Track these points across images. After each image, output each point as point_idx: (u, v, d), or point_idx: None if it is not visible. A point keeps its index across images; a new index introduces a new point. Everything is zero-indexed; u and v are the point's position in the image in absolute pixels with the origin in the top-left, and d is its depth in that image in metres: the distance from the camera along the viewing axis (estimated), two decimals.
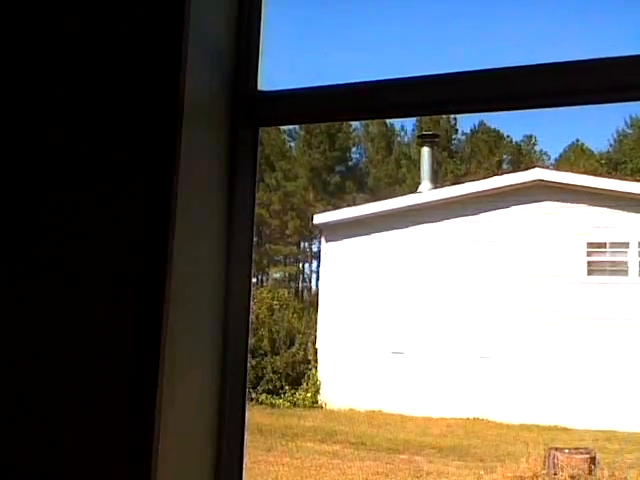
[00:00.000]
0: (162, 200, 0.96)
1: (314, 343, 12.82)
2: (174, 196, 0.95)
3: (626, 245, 11.27)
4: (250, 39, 1.11)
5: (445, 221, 12.39)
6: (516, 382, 11.18)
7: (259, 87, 1.13)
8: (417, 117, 41.33)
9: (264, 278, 39.34)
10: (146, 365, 0.93)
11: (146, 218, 0.97)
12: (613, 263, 11.35)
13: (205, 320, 1.06)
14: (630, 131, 35.74)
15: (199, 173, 1.03)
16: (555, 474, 5.72)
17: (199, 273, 1.04)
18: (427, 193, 13.11)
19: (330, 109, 1.13)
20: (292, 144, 40.27)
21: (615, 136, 37.21)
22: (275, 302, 14.41)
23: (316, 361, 12.65)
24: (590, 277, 11.38)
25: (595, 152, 36.63)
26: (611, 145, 37.56)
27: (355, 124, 41.31)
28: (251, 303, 1.15)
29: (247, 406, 1.11)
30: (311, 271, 36.26)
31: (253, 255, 1.13)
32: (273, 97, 1.13)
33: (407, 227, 12.60)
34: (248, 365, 1.13)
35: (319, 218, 13.23)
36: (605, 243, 11.42)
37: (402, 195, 14.34)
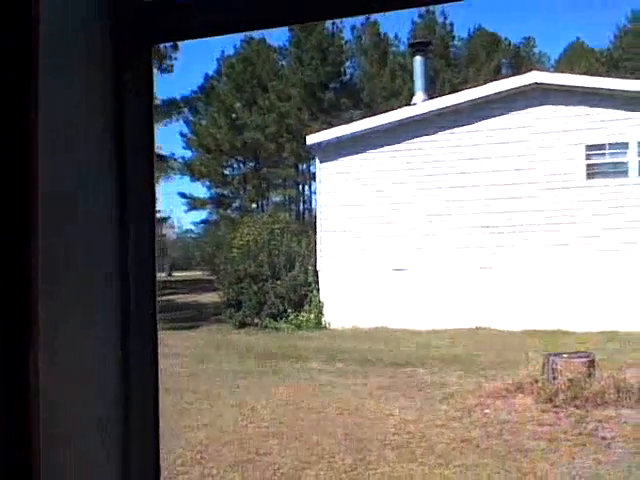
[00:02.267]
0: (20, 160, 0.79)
1: (315, 265, 12.85)
2: (35, 148, 0.78)
3: (625, 145, 11.00)
4: None
5: (441, 132, 12.08)
6: (518, 290, 11.25)
7: None
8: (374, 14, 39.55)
9: (264, 203, 39.32)
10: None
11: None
12: (613, 164, 11.13)
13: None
14: (630, 26, 34.48)
15: (70, 116, 0.86)
16: (554, 379, 5.79)
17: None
18: (421, 104, 12.72)
19: (241, 14, 0.94)
20: (283, 62, 39.10)
21: (616, 32, 35.94)
22: (276, 226, 14.35)
23: (317, 283, 12.72)
24: (590, 180, 11.19)
25: (595, 50, 35.51)
26: (611, 42, 36.34)
27: (347, 36, 39.88)
28: (155, 238, 0.99)
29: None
30: (311, 193, 36.14)
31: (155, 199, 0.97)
32: (164, 6, 0.94)
33: (402, 141, 12.32)
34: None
35: (312, 139, 12.92)
36: (604, 144, 11.15)
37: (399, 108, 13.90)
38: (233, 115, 37.02)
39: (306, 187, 37.52)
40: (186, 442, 5.18)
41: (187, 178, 42.80)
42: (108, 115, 0.93)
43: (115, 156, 0.93)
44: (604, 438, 4.78)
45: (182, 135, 41.79)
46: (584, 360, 5.84)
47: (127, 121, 0.95)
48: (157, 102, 29.25)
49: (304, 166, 36.01)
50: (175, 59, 28.28)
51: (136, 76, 0.96)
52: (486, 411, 5.74)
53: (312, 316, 12.34)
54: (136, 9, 0.93)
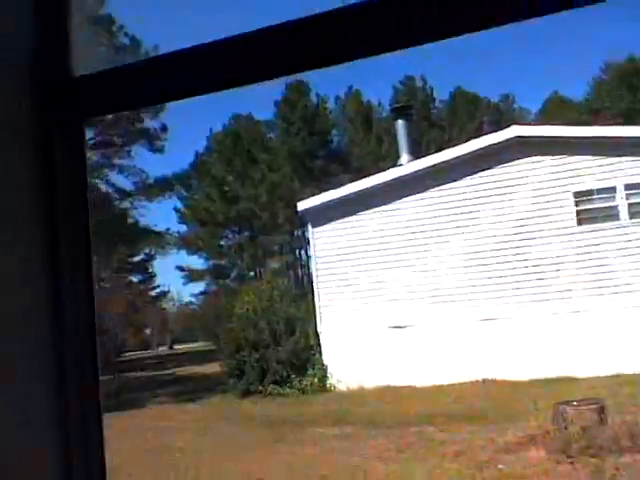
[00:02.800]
0: None
1: (315, 328, 12.76)
2: None
3: (613, 190, 11.18)
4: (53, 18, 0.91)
5: (428, 191, 12.27)
6: (522, 339, 11.15)
7: (76, 72, 0.93)
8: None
9: (262, 270, 39.35)
10: None
11: None
12: (602, 209, 11.27)
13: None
14: (605, 77, 35.65)
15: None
16: (566, 428, 5.66)
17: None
18: (407, 165, 12.97)
19: (165, 86, 0.92)
20: (271, 135, 40.04)
21: (591, 83, 37.12)
22: (274, 292, 14.33)
23: (319, 345, 12.60)
24: (581, 226, 11.30)
25: (574, 101, 36.57)
26: (588, 93, 37.48)
27: (331, 105, 41.04)
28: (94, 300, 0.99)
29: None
30: (307, 257, 36.22)
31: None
32: (96, 79, 0.92)
33: (391, 202, 12.48)
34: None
35: (302, 205, 13.10)
36: (592, 190, 11.33)
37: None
38: (225, 188, 37.62)
39: (302, 252, 37.69)
40: None
41: (184, 252, 43.07)
42: (39, 195, 0.91)
43: (48, 248, 0.91)
44: None
45: (176, 210, 42.31)
46: (594, 407, 5.74)
47: (59, 204, 0.93)
48: (150, 181, 29.76)
49: (299, 231, 36.31)
50: (165, 139, 29.00)
51: (69, 152, 0.94)
52: (500, 467, 5.59)
53: (316, 380, 12.15)
54: (66, 83, 0.91)
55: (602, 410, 5.77)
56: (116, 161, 28.98)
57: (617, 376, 9.66)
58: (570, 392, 7.61)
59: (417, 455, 6.39)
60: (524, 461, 5.62)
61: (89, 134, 28.41)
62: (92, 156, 28.83)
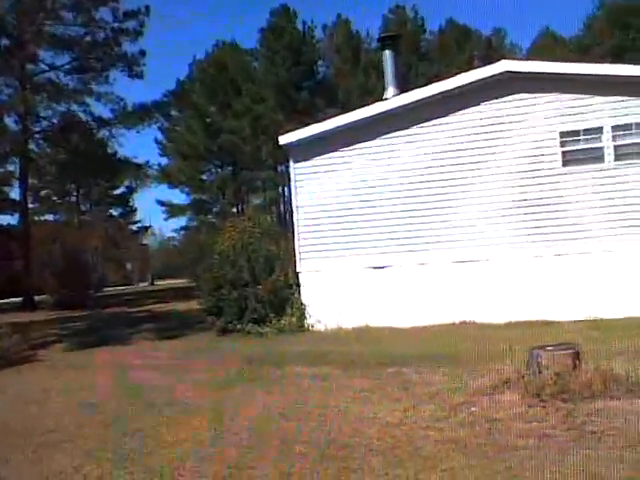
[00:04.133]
0: None
1: (295, 267, 12.65)
2: None
3: (600, 130, 10.94)
4: None
5: (414, 127, 11.94)
6: (500, 282, 11.15)
7: None
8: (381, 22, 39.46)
9: (244, 206, 39.06)
10: None
11: None
12: (587, 151, 11.05)
13: None
14: (598, 12, 34.77)
15: None
16: (540, 372, 5.65)
17: None
18: (393, 99, 12.56)
19: None
20: (255, 64, 38.85)
21: (584, 19, 36.22)
22: (257, 230, 14.16)
23: (298, 285, 12.54)
24: (566, 167, 11.12)
25: (565, 38, 35.77)
26: (580, 29, 36.62)
27: (318, 35, 39.75)
28: None
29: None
30: (291, 194, 35.95)
31: None
32: None
33: (376, 137, 12.16)
34: None
35: (284, 139, 12.71)
36: (579, 131, 11.08)
37: None
38: (208, 120, 36.74)
39: (286, 189, 37.34)
40: (163, 459, 4.97)
41: (165, 186, 42.50)
42: None
43: None
44: (594, 432, 4.65)
45: (157, 142, 41.47)
46: (569, 352, 5.71)
47: None
48: (129, 109, 28.87)
49: (282, 167, 35.81)
50: (144, 65, 28.00)
51: None
52: (472, 409, 5.59)
53: (294, 319, 12.15)
54: None
55: (576, 355, 5.75)
56: (94, 87, 28.02)
57: (593, 321, 9.75)
58: (546, 336, 7.62)
59: (392, 396, 6.39)
60: (497, 404, 5.62)
61: (65, 58, 27.37)
62: (69, 81, 27.86)
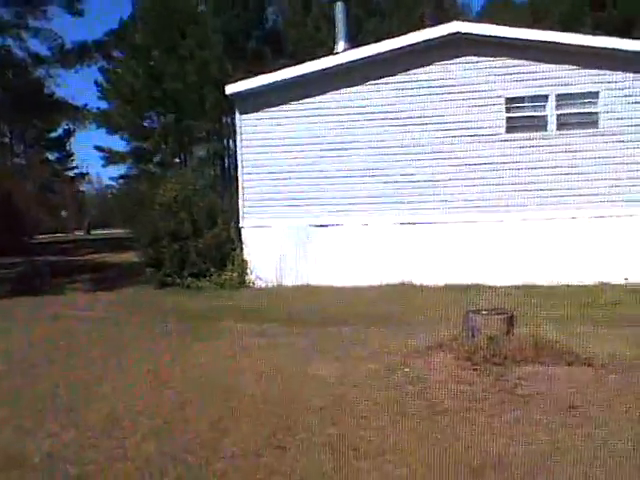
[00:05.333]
0: None
1: (238, 222, 12.47)
2: None
3: (545, 98, 11.09)
4: None
5: (363, 84, 11.79)
6: (440, 245, 11.33)
7: None
8: None
9: (187, 157, 38.10)
10: None
11: None
12: (531, 118, 11.22)
13: None
14: None
15: None
16: (473, 336, 5.79)
17: None
18: (343, 54, 12.33)
19: None
20: (203, 8, 37.33)
21: None
22: (200, 182, 13.83)
23: (240, 241, 12.39)
24: (509, 134, 11.27)
25: (517, 3, 35.85)
26: None
27: None
28: None
29: None
30: (235, 146, 35.20)
31: None
32: None
33: (325, 92, 11.96)
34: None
35: (231, 88, 12.32)
36: (524, 97, 11.21)
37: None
38: (151, 63, 35.25)
39: (231, 141, 36.51)
40: (96, 413, 4.85)
41: (104, 131, 40.88)
42: None
43: None
44: (523, 396, 4.80)
45: (97, 85, 39.63)
46: (503, 316, 5.85)
47: None
48: (67, 47, 27.40)
49: (228, 119, 34.92)
50: (84, 1, 26.49)
51: None
52: (406, 370, 5.69)
53: (235, 275, 12.05)
54: None
55: (510, 320, 5.90)
56: (31, 22, 26.37)
57: (528, 287, 10.06)
58: (482, 300, 7.82)
59: (330, 355, 6.43)
60: (431, 366, 5.74)
61: None
62: (4, 14, 26.11)
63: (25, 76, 27.62)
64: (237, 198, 12.56)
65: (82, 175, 48.41)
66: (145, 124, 38.69)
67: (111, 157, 41.06)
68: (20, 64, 27.08)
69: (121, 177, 42.99)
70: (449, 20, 11.77)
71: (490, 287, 10.15)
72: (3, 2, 26.01)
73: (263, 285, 11.95)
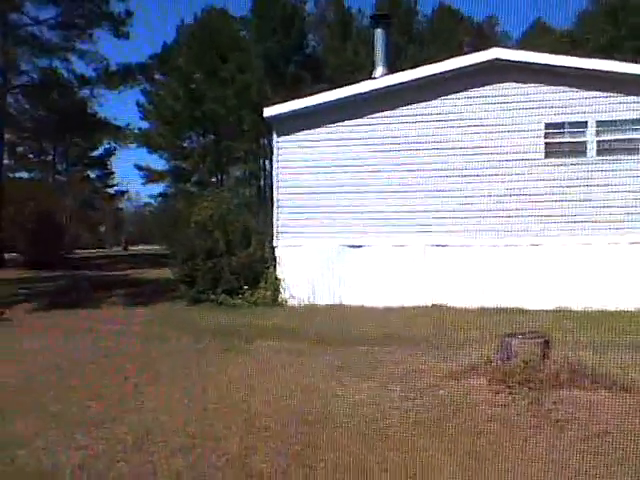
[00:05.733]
0: None
1: (272, 242, 12.57)
2: None
3: (584, 125, 10.99)
4: None
5: (401, 108, 11.86)
6: (474, 268, 11.22)
7: None
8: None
9: (224, 177, 38.65)
10: None
11: None
12: (571, 144, 11.12)
13: None
14: (591, 7, 34.77)
15: None
16: (509, 359, 5.70)
17: None
18: (380, 79, 12.44)
19: None
20: (244, 33, 38.18)
21: (577, 13, 36.20)
22: (235, 201, 14.02)
23: (274, 259, 12.48)
24: (548, 159, 11.17)
25: (557, 30, 35.74)
26: (573, 22, 36.62)
27: (310, 8, 39.18)
28: None
29: None
30: (271, 167, 35.57)
31: None
32: None
33: (362, 116, 12.06)
34: None
35: (269, 111, 12.53)
36: (563, 123, 11.13)
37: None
38: (192, 86, 36.07)
39: (267, 162, 36.94)
40: (129, 428, 4.91)
41: (144, 150, 41.86)
42: None
43: None
44: (558, 420, 4.71)
45: (139, 105, 40.66)
46: (539, 340, 5.77)
47: None
48: (112, 69, 28.25)
49: (265, 140, 35.39)
50: (130, 25, 27.37)
51: None
52: (440, 392, 5.63)
53: (268, 293, 12.11)
54: None
55: (546, 344, 5.81)
56: (77, 45, 27.30)
57: (564, 311, 9.87)
58: (517, 324, 7.70)
59: (361, 375, 6.40)
60: (465, 389, 5.67)
61: (50, 12, 26.62)
62: (52, 37, 27.08)
63: (70, 96, 28.51)
64: (272, 218, 12.68)
65: (121, 193, 49.48)
66: (184, 144, 39.48)
67: (150, 176, 41.93)
68: (65, 85, 27.99)
69: (159, 195, 43.80)
70: (488, 47, 11.79)
71: (524, 310, 10.00)
72: (52, 26, 27.01)
73: (296, 304, 11.98)
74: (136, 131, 38.44)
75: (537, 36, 34.47)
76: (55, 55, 27.06)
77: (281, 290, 12.23)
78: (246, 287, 12.14)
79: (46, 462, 4.33)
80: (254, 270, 12.33)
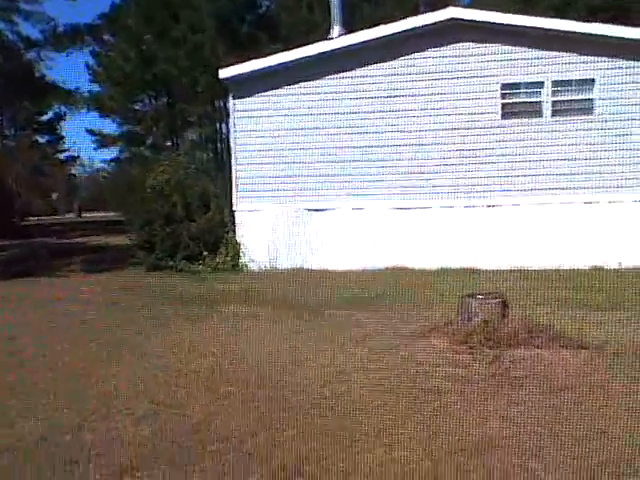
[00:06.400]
0: None
1: (230, 206, 12.42)
2: None
3: (540, 85, 11.09)
4: None
5: (359, 69, 11.73)
6: (433, 230, 11.34)
7: None
8: None
9: (179, 141, 37.85)
10: None
11: None
12: (527, 104, 11.22)
13: None
14: None
15: None
16: (469, 320, 5.82)
17: None
18: (338, 39, 12.24)
19: None
20: None
21: None
22: (192, 165, 13.75)
23: (233, 224, 12.35)
24: (505, 120, 11.26)
25: None
26: None
27: None
28: None
29: None
30: (228, 130, 34.92)
31: None
32: None
33: (319, 77, 11.89)
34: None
35: (225, 72, 12.21)
36: (519, 84, 11.20)
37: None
38: (143, 47, 34.87)
39: (223, 125, 36.23)
40: (92, 396, 4.86)
41: (95, 114, 40.53)
42: None
43: None
44: (516, 378, 4.84)
45: (88, 67, 39.16)
46: (497, 301, 5.89)
47: None
48: (59, 30, 27.06)
49: (221, 102, 34.63)
50: None
51: None
52: (401, 353, 5.71)
53: (229, 258, 12.01)
54: None
55: (504, 304, 5.93)
56: (22, 6, 25.98)
57: (521, 271, 10.10)
58: (474, 284, 7.85)
59: (323, 338, 6.44)
60: (426, 349, 5.77)
61: None
62: None
63: (16, 58, 27.26)
64: (230, 182, 12.49)
65: (73, 158, 47.96)
66: (137, 107, 38.38)
67: (102, 140, 40.72)
68: (11, 47, 26.71)
69: (113, 160, 42.66)
70: (444, 7, 11.69)
71: (482, 270, 10.19)
72: None
73: (256, 268, 11.94)
74: (86, 94, 37.13)
75: None
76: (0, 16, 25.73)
77: (241, 255, 12.15)
78: (206, 253, 12.01)
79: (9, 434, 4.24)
80: (214, 235, 12.19)
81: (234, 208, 12.36)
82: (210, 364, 5.63)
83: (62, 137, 45.29)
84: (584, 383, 4.68)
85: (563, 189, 10.91)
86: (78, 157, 49.17)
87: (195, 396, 4.81)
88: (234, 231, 12.31)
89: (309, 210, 11.94)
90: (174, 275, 11.61)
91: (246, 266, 12.08)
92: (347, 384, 4.93)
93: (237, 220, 12.32)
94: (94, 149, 47.27)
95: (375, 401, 4.54)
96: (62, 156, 46.90)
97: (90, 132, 41.03)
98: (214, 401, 4.68)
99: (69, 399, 4.85)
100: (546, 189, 10.95)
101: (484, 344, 5.40)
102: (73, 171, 51.37)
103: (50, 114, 42.42)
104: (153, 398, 4.79)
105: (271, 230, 12.02)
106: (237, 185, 12.32)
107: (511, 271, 10.11)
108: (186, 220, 12.16)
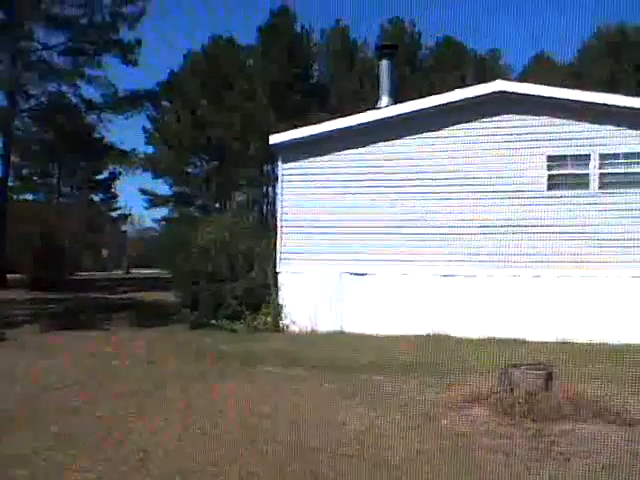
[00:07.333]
0: None
1: (274, 267, 12.60)
2: None
3: (587, 157, 11.09)
4: None
5: (405, 138, 11.99)
6: (476, 298, 11.21)
7: None
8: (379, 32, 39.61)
9: (227, 202, 38.88)
10: None
11: None
12: (574, 176, 11.21)
13: None
14: (595, 41, 35.26)
15: None
16: (512, 390, 5.68)
17: None
18: (386, 108, 12.60)
19: None
20: (250, 62, 38.70)
21: (580, 47, 36.70)
22: (237, 227, 14.09)
23: (276, 285, 12.48)
24: (550, 191, 11.24)
25: (560, 64, 36.20)
26: (575, 56, 37.11)
27: (316, 38, 39.78)
28: None
29: None
30: (275, 194, 35.75)
31: None
32: None
33: (366, 145, 12.19)
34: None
35: (275, 138, 12.66)
36: (566, 156, 11.23)
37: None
38: (197, 112, 36.47)
39: (270, 188, 37.16)
40: (128, 451, 4.89)
41: (149, 175, 42.17)
42: None
43: None
44: (561, 453, 4.67)
45: (145, 130, 41.09)
46: (542, 372, 5.75)
47: None
48: (119, 95, 28.55)
49: (269, 167, 35.66)
50: (139, 53, 27.76)
51: None
52: (442, 422, 5.60)
53: (269, 319, 12.10)
54: None
55: (549, 376, 5.79)
56: (86, 70, 27.63)
57: (565, 343, 9.83)
58: (519, 355, 7.68)
59: (362, 403, 6.37)
60: (467, 419, 5.64)
61: (59, 38, 26.98)
62: (61, 62, 27.44)
63: (77, 120, 28.77)
64: (274, 244, 12.73)
65: (125, 216, 49.71)
66: (188, 170, 39.80)
67: (154, 200, 42.19)
68: (73, 109, 28.26)
69: (162, 219, 44.02)
70: (491, 80, 11.95)
71: (526, 341, 9.95)
72: (61, 52, 27.38)
73: (297, 330, 11.95)
74: (141, 156, 38.77)
75: (540, 69, 34.91)
76: (64, 80, 27.38)
77: (282, 316, 12.21)
78: (248, 312, 12.13)
79: None
80: (256, 295, 12.33)
81: (277, 269, 12.53)
82: (251, 425, 5.61)
83: (116, 196, 47.14)
84: (629, 461, 4.48)
85: (611, 262, 10.69)
86: (130, 215, 50.96)
87: (233, 458, 4.79)
88: (276, 292, 12.43)
89: (351, 274, 12.00)
90: (216, 333, 11.71)
91: (287, 327, 12.12)
92: (387, 452, 4.84)
93: (279, 281, 12.46)
94: (146, 208, 48.94)
95: (414, 469, 4.44)
96: (115, 214, 48.67)
97: (143, 192, 42.65)
98: (250, 461, 4.65)
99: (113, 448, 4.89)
100: (593, 262, 10.75)
101: (526, 416, 5.25)
102: (124, 229, 53.14)
103: (105, 173, 44.36)
104: (191, 457, 4.79)
105: (312, 292, 12.08)
106: (281, 246, 12.53)
107: (555, 343, 9.84)
108: (230, 280, 12.37)
